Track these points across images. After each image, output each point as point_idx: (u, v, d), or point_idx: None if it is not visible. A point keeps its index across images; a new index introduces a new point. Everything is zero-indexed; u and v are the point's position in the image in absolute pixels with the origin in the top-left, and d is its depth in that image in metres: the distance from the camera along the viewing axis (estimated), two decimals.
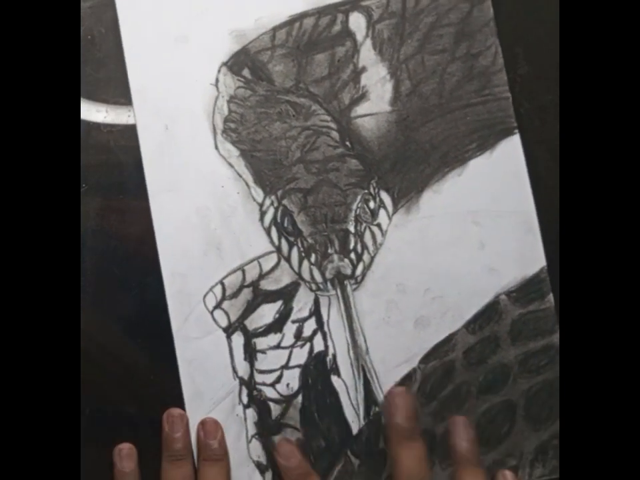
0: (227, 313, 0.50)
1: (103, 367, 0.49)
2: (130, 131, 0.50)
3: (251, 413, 0.49)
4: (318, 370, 0.50)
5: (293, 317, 0.50)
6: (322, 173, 0.51)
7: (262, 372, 0.49)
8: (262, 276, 0.50)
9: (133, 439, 0.48)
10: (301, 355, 0.50)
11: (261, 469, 0.49)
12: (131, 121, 0.50)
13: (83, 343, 0.47)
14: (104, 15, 0.51)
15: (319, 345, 0.50)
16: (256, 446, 0.49)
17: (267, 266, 0.50)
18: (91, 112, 0.50)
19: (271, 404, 0.49)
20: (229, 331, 0.49)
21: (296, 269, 0.50)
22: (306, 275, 0.50)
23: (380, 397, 0.49)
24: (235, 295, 0.50)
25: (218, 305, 0.49)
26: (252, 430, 0.49)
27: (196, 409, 0.49)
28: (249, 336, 0.49)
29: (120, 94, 0.50)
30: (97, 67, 0.51)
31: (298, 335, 0.50)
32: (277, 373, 0.49)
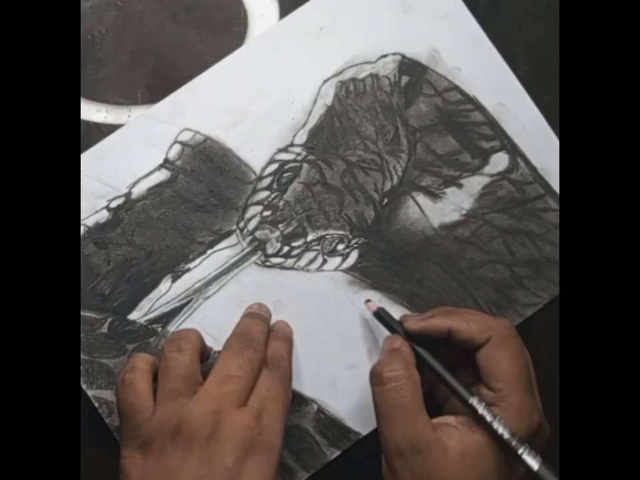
0: None
1: None
2: None
3: None
4: None
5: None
6: (347, 188, 0.51)
7: None
8: None
9: None
10: None
11: None
12: (130, 121, 0.50)
13: None
14: (104, 15, 0.51)
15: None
16: None
17: None
18: (91, 112, 0.50)
19: None
20: None
21: (250, 201, 0.51)
22: (247, 214, 0.51)
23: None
24: None
25: None
26: None
27: None
28: None
29: (120, 94, 0.50)
30: (97, 67, 0.50)
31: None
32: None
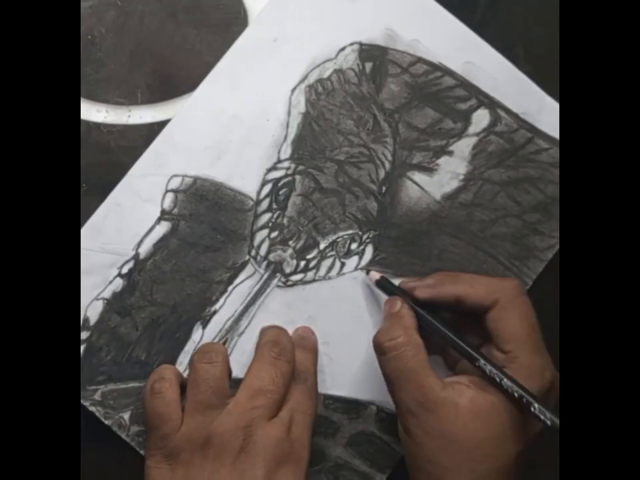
0: None
1: None
2: (130, 131, 0.50)
3: None
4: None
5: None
6: (344, 187, 0.51)
7: None
8: None
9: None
10: None
11: None
12: (130, 121, 0.50)
13: None
14: (104, 15, 0.50)
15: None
16: None
17: None
18: (91, 112, 0.50)
19: None
20: None
21: (255, 227, 0.50)
22: (256, 241, 0.51)
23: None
24: None
25: None
26: None
27: None
28: None
29: (120, 94, 0.50)
30: (97, 67, 0.50)
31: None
32: None
